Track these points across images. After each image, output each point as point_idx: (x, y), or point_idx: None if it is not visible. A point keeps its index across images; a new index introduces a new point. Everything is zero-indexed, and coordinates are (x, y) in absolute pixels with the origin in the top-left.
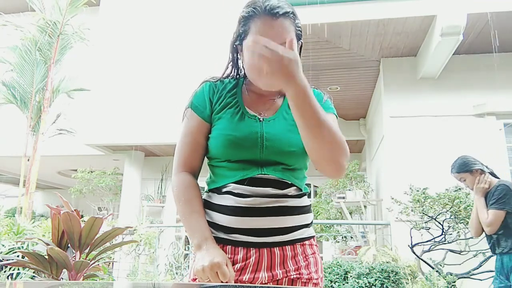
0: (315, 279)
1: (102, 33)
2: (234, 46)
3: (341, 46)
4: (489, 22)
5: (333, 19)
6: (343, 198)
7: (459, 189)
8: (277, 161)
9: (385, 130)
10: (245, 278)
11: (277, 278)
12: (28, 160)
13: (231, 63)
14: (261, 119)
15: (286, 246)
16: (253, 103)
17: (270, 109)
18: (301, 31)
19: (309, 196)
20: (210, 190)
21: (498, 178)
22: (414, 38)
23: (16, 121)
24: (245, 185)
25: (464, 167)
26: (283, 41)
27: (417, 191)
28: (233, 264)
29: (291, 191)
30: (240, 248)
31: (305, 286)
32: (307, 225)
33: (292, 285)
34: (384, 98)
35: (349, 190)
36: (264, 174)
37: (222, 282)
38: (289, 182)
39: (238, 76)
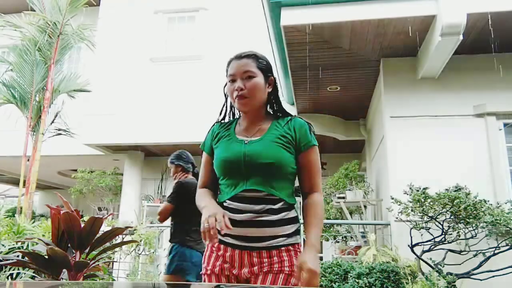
0: (287, 271)
1: (102, 33)
2: (224, 90)
3: (341, 46)
4: (489, 22)
5: (333, 19)
6: (343, 198)
7: (459, 189)
8: (257, 173)
9: (385, 130)
10: (235, 272)
11: (254, 272)
12: (28, 160)
13: (224, 106)
14: (246, 142)
15: (263, 252)
16: (243, 131)
17: (257, 133)
18: (266, 66)
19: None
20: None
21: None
22: (414, 38)
23: (16, 121)
24: (235, 202)
25: (172, 159)
26: (245, 71)
27: (417, 191)
28: (224, 259)
29: (273, 207)
30: (229, 248)
31: (275, 276)
32: (287, 235)
33: (265, 276)
34: (384, 98)
35: (349, 190)
36: (249, 188)
37: (217, 228)
38: (271, 198)
39: (234, 115)
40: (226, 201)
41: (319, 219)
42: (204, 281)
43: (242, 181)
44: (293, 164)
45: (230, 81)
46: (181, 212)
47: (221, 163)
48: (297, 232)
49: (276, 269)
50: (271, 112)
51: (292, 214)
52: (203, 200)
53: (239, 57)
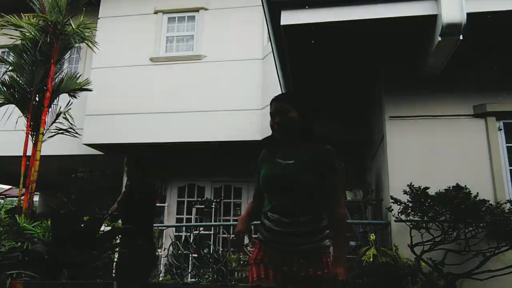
0: (317, 273)
1: (102, 33)
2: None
3: (341, 45)
4: (489, 22)
5: (333, 19)
6: None
7: (459, 189)
8: (287, 191)
9: (385, 130)
10: (277, 267)
11: (292, 272)
12: (28, 160)
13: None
14: (282, 164)
15: (295, 255)
16: (282, 155)
17: (292, 158)
18: (299, 103)
19: None
20: (262, 212)
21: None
22: (414, 38)
23: (16, 121)
24: (271, 213)
25: (125, 161)
26: (281, 108)
27: (417, 191)
28: (268, 258)
29: (300, 220)
30: (272, 251)
31: (309, 280)
32: (314, 241)
33: (301, 280)
34: (384, 98)
35: (349, 190)
36: (283, 202)
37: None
38: (299, 211)
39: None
40: (267, 212)
41: (344, 234)
42: (252, 268)
43: (276, 197)
44: (318, 184)
45: (271, 118)
46: (128, 214)
47: (262, 181)
48: (325, 238)
49: (309, 273)
50: (307, 138)
51: (318, 224)
52: (242, 214)
53: (277, 98)
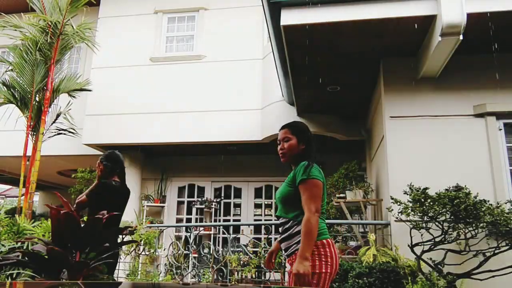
0: (295, 271)
1: (102, 33)
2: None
3: (341, 46)
4: (489, 22)
5: (333, 19)
6: (343, 198)
7: (459, 189)
8: (278, 204)
9: (385, 130)
10: (289, 269)
11: (290, 272)
12: (28, 160)
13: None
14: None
15: (289, 258)
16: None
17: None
18: (299, 132)
19: None
20: None
21: (118, 181)
22: (414, 38)
23: (16, 121)
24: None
25: (101, 158)
26: (283, 137)
27: (417, 191)
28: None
29: (286, 227)
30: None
31: (291, 275)
32: (297, 243)
33: (289, 276)
34: (384, 98)
35: (349, 190)
36: (277, 215)
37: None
38: (285, 220)
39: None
40: None
41: (304, 234)
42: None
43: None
44: (294, 195)
45: (278, 144)
46: (97, 211)
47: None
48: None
49: (291, 269)
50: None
51: (300, 227)
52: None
53: (282, 128)
